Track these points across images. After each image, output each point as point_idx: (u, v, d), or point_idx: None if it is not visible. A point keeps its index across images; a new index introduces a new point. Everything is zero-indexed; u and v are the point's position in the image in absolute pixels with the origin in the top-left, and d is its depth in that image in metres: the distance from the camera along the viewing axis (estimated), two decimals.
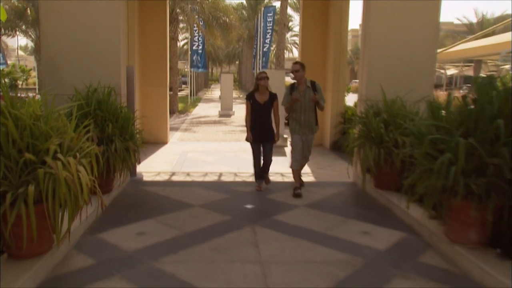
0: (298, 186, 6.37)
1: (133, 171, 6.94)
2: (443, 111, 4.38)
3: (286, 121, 7.36)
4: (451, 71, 19.74)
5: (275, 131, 6.48)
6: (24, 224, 3.22)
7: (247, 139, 6.43)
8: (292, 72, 6.29)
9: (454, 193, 3.82)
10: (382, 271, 3.95)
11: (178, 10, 18.43)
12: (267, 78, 6.28)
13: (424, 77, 6.63)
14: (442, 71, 21.39)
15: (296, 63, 6.38)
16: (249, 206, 5.80)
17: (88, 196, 3.56)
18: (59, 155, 3.43)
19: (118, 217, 5.17)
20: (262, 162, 6.53)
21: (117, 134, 5.30)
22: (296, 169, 6.43)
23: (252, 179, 7.01)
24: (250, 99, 6.31)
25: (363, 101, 6.88)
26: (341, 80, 10.53)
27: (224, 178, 7.49)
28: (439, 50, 14.71)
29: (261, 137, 6.36)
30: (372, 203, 6.15)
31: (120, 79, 6.30)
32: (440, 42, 30.34)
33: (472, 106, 4.13)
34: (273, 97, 6.31)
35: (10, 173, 3.28)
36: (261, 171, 6.54)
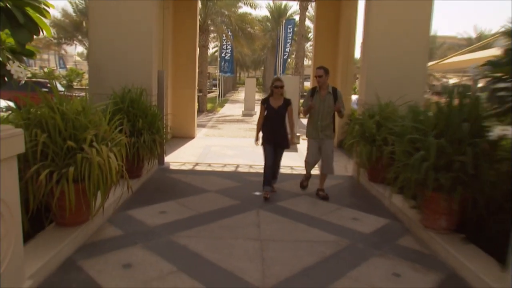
0: (305, 178, 6.20)
1: (161, 161, 7.29)
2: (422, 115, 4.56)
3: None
4: (454, 80, 19.50)
5: (288, 136, 5.87)
6: (66, 198, 3.58)
7: (255, 141, 5.95)
8: (316, 77, 5.75)
9: (426, 185, 4.02)
10: (364, 251, 4.17)
11: (209, 21, 18.78)
12: (282, 87, 5.73)
13: (415, 84, 6.74)
14: (445, 80, 21.19)
15: (320, 68, 5.76)
16: (257, 193, 6.04)
17: (116, 178, 3.89)
18: (94, 144, 3.78)
19: (145, 198, 5.52)
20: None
21: (146, 128, 5.64)
22: (308, 162, 6.00)
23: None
24: (265, 104, 5.81)
25: (361, 104, 7.06)
26: (348, 86, 10.66)
27: (240, 169, 7.75)
28: (436, 61, 14.71)
29: (274, 141, 5.80)
30: (364, 194, 6.34)
31: (151, 82, 6.64)
32: (444, 53, 29.96)
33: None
34: (287, 102, 5.74)
35: (56, 156, 3.65)
36: (271, 177, 5.89)
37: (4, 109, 10.80)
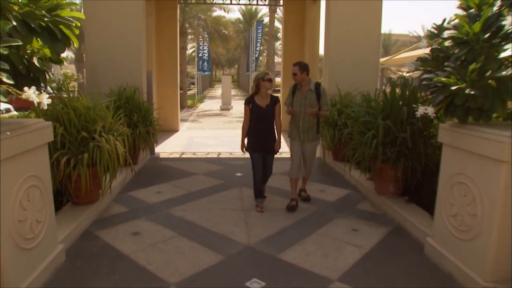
0: (294, 198, 4.91)
1: (152, 151, 7.73)
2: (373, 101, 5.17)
3: None
4: (406, 73, 20.53)
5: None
6: (82, 180, 4.02)
7: (242, 148, 4.95)
8: (292, 75, 4.80)
9: (376, 158, 4.64)
10: (329, 214, 4.77)
11: (187, 25, 19.07)
12: (271, 80, 4.72)
13: (370, 76, 7.38)
14: (400, 73, 22.21)
15: (295, 64, 4.80)
16: (238, 174, 6.58)
17: (123, 162, 4.35)
18: (103, 134, 4.22)
19: (142, 182, 5.97)
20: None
21: (140, 121, 6.07)
22: (295, 178, 4.94)
23: (243, 154, 7.14)
24: (250, 103, 4.70)
25: None
26: (314, 80, 11.23)
27: (222, 156, 8.25)
28: (389, 57, 15.50)
29: (264, 148, 4.77)
30: (330, 171, 6.95)
31: (142, 81, 7.06)
32: (398, 49, 31.02)
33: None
34: (275, 100, 4.74)
35: (72, 145, 4.08)
36: (262, 187, 4.98)
37: (4, 111, 10.96)
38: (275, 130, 4.83)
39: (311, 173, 5.31)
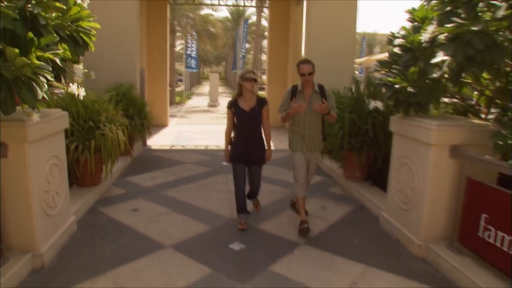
0: (305, 219, 4.16)
1: (144, 142, 8.38)
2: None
3: None
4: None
5: (265, 147, 4.27)
6: (89, 164, 4.69)
7: (226, 158, 4.30)
8: (302, 75, 4.04)
9: (343, 147, 5.39)
10: None
11: (175, 23, 19.64)
12: (255, 80, 4.05)
13: (345, 73, 8.07)
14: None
15: (307, 62, 4.09)
16: (224, 163, 7.20)
17: (123, 148, 5.02)
18: (106, 124, 4.89)
19: (137, 169, 6.63)
20: (247, 188, 4.40)
21: (135, 114, 6.72)
22: (302, 197, 4.24)
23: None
24: (232, 107, 4.08)
25: None
26: (296, 78, 11.97)
27: (209, 148, 8.92)
28: (368, 57, 16.33)
29: (248, 157, 4.15)
30: None
31: (135, 78, 7.70)
32: (382, 49, 31.99)
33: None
34: (261, 102, 4.09)
35: (79, 133, 4.73)
36: (245, 201, 4.35)
37: None
38: (263, 136, 4.19)
39: (309, 184, 4.65)
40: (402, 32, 4.20)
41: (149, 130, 7.37)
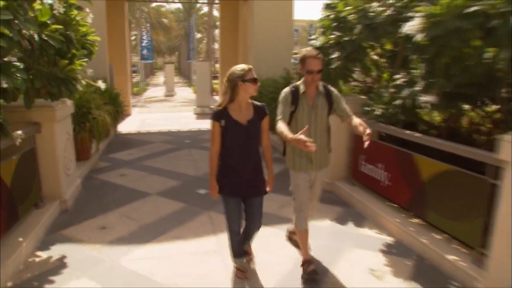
0: (309, 259, 3.43)
1: (115, 128, 9.79)
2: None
3: None
4: None
5: (264, 174, 3.12)
6: (83, 143, 6.15)
7: (212, 191, 3.03)
8: (311, 72, 3.10)
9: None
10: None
11: (130, 17, 20.64)
12: (256, 80, 2.87)
13: (284, 62, 9.77)
14: None
15: (317, 56, 3.13)
16: (187, 141, 8.89)
17: (109, 130, 6.51)
18: (95, 110, 6.35)
19: (116, 148, 8.10)
20: (243, 227, 3.27)
21: (111, 103, 8.13)
22: (305, 230, 3.38)
23: (190, 127, 9.92)
24: (221, 119, 2.90)
25: None
26: None
27: (172, 130, 10.45)
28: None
29: (246, 188, 3.02)
30: None
31: (106, 73, 9.08)
32: None
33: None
34: (261, 112, 2.99)
35: (75, 118, 6.16)
36: (241, 240, 3.29)
37: None
38: (262, 158, 3.08)
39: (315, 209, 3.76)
40: (314, 35, 5.98)
41: (122, 116, 8.80)
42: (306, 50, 3.22)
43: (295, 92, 3.22)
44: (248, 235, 3.30)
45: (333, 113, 3.32)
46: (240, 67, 2.87)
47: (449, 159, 3.61)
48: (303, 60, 3.17)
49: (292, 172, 3.35)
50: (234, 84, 2.83)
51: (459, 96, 3.65)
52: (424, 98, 3.69)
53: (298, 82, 3.30)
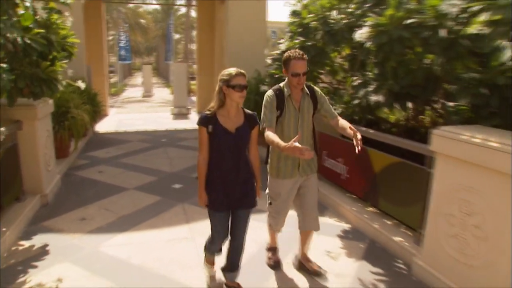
0: (274, 246, 3.65)
1: (93, 128, 10.01)
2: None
3: None
4: None
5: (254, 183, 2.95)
6: (62, 142, 6.40)
7: (201, 201, 2.85)
8: (297, 75, 2.96)
9: None
10: None
11: (108, 17, 20.73)
12: (246, 87, 2.72)
13: (257, 62, 10.06)
14: None
15: (302, 57, 2.99)
16: (163, 140, 9.20)
17: (87, 129, 6.77)
18: (73, 109, 6.61)
19: (94, 147, 8.34)
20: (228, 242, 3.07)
21: (89, 103, 8.37)
22: (278, 231, 3.48)
23: (166, 127, 10.28)
24: (208, 125, 2.73)
25: None
26: (222, 69, 13.92)
27: (149, 130, 10.72)
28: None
29: (233, 201, 2.85)
30: None
31: (84, 73, 9.30)
32: None
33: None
34: (251, 120, 2.81)
35: (54, 117, 6.40)
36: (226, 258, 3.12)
37: None
38: (251, 168, 2.91)
39: (318, 225, 3.36)
40: (283, 40, 6.41)
41: (100, 116, 9.04)
42: (290, 51, 3.04)
43: (280, 96, 3.04)
44: (234, 254, 3.06)
45: (317, 113, 3.20)
46: (228, 70, 2.71)
47: (408, 155, 4.02)
48: (287, 61, 3.00)
49: (274, 180, 3.20)
50: (219, 88, 2.70)
51: (406, 96, 4.11)
52: (375, 97, 4.15)
53: (282, 84, 3.12)
